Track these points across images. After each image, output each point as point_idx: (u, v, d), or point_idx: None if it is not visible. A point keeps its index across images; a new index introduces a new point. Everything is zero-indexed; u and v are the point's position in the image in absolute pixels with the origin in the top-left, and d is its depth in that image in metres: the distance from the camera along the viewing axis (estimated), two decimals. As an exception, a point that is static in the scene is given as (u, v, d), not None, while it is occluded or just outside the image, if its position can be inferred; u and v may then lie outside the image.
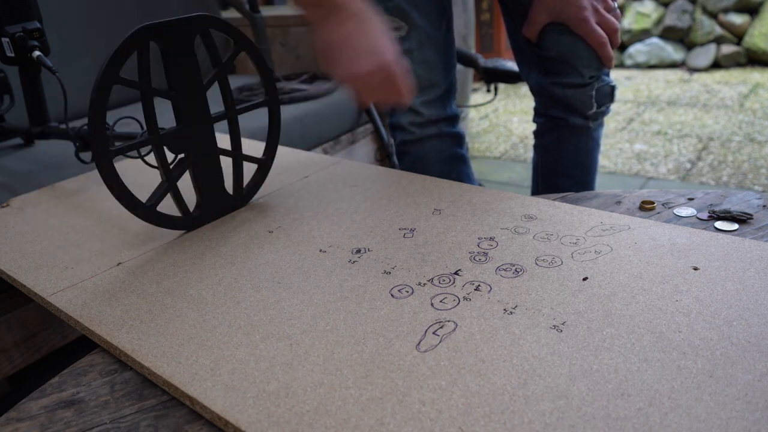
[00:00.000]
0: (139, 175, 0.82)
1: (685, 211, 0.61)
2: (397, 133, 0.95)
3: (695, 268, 0.48)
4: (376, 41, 0.59)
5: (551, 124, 0.92)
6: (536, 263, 0.51)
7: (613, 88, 0.87)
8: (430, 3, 0.85)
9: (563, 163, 0.94)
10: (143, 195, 0.62)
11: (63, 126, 1.02)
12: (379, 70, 0.59)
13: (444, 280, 0.49)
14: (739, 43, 3.23)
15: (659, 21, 3.44)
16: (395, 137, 0.97)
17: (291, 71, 1.76)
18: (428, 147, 0.93)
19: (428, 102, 0.89)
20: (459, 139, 0.96)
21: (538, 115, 0.95)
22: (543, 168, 0.97)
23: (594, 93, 0.85)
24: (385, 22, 0.62)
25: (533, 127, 0.98)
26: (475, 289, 0.48)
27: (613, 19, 0.81)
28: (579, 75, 0.84)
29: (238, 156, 0.67)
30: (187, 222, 0.63)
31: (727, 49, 3.21)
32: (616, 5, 0.82)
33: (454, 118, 0.94)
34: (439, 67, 0.88)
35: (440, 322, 0.44)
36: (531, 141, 2.34)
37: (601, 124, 0.91)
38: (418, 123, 0.91)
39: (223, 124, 0.66)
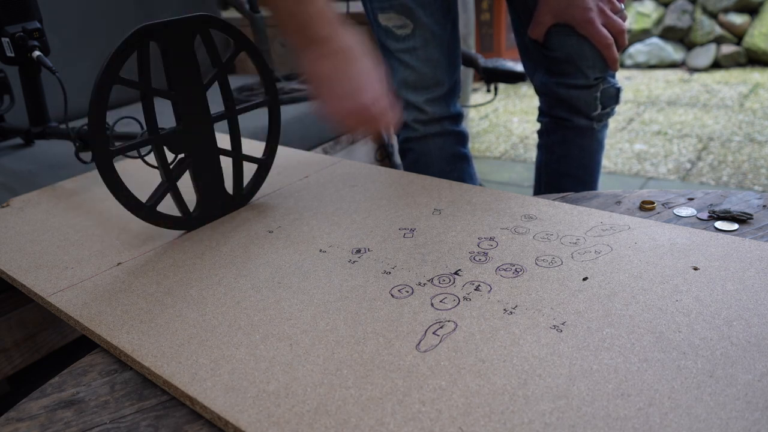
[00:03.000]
0: (139, 175, 0.82)
1: (685, 211, 0.61)
2: (401, 131, 0.96)
3: (695, 268, 0.48)
4: (360, 81, 0.58)
5: (555, 124, 0.93)
6: (536, 263, 0.51)
7: (618, 90, 0.86)
8: (435, 1, 0.85)
9: (567, 163, 0.94)
10: (143, 195, 0.62)
11: (63, 126, 1.02)
12: (360, 112, 0.58)
13: (444, 280, 0.49)
14: (739, 43, 3.23)
15: (659, 21, 3.44)
16: (399, 134, 0.97)
17: (291, 71, 1.76)
18: (431, 144, 0.94)
19: (432, 100, 0.90)
20: (462, 138, 0.97)
21: (543, 114, 0.95)
22: (546, 168, 0.97)
23: (599, 95, 0.85)
24: (374, 57, 0.60)
25: (533, 127, 0.99)
26: (475, 289, 0.48)
27: (619, 20, 0.81)
28: (584, 76, 0.83)
29: (238, 156, 0.67)
30: (187, 222, 0.63)
31: (727, 49, 3.21)
32: (623, 6, 0.82)
33: (457, 117, 0.94)
34: (444, 66, 0.88)
35: (440, 322, 0.44)
36: (531, 141, 2.34)
37: (605, 126, 0.91)
38: (422, 120, 0.91)
39: (223, 124, 0.66)
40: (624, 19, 0.82)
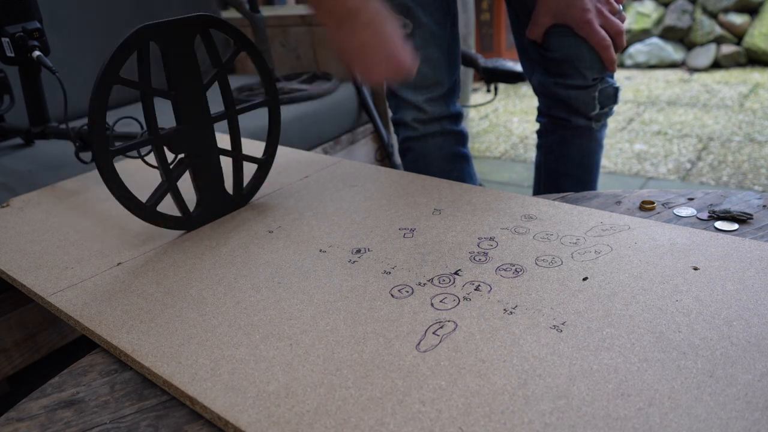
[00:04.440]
0: (139, 175, 0.82)
1: (685, 211, 0.61)
2: (401, 130, 0.96)
3: (695, 268, 0.48)
4: (391, 48, 0.64)
5: (554, 124, 0.93)
6: (536, 263, 0.51)
7: (616, 90, 0.86)
8: (435, 1, 0.85)
9: (566, 163, 0.94)
10: (143, 195, 0.62)
11: (63, 126, 1.02)
12: (394, 74, 0.64)
13: (444, 280, 0.49)
14: (739, 43, 3.23)
15: (659, 21, 3.44)
16: (398, 134, 0.97)
17: (291, 71, 1.76)
18: (431, 144, 0.94)
19: (432, 100, 0.90)
20: (462, 138, 0.97)
21: (542, 115, 0.95)
22: (545, 168, 0.97)
23: (597, 94, 0.85)
24: (396, 20, 0.65)
25: (533, 127, 0.99)
26: (475, 289, 0.48)
27: (617, 21, 0.81)
28: (582, 77, 0.83)
29: (238, 156, 0.67)
30: (187, 222, 0.63)
31: (727, 49, 3.20)
32: (621, 7, 0.82)
33: (457, 116, 0.94)
34: (443, 66, 0.88)
35: (440, 322, 0.44)
36: (531, 141, 2.34)
37: (604, 125, 0.91)
38: (422, 120, 0.92)
39: (223, 124, 0.66)
40: (622, 20, 0.82)
